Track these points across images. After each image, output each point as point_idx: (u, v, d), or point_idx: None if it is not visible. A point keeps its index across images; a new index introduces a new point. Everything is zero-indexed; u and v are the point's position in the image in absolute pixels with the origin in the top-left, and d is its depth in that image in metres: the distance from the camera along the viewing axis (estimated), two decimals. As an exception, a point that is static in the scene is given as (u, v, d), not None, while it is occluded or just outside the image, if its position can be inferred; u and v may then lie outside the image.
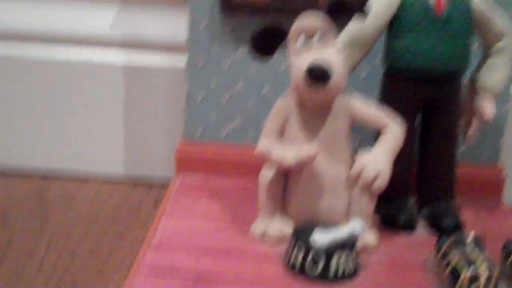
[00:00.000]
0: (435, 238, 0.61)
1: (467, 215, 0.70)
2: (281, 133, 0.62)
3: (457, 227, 0.66)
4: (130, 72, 0.85)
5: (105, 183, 0.85)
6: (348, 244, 0.56)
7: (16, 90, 0.84)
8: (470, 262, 0.53)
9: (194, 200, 0.70)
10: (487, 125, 0.74)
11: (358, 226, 0.56)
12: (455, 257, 0.54)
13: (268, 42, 0.61)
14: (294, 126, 0.61)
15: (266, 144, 0.61)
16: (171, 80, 0.84)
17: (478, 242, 0.57)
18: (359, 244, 0.58)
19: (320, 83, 0.57)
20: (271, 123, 0.62)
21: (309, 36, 0.59)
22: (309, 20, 0.59)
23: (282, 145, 0.61)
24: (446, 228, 0.66)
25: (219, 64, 0.76)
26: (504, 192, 0.79)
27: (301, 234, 0.57)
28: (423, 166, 0.70)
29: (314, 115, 0.61)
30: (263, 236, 0.61)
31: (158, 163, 0.86)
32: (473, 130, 0.71)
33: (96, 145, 0.86)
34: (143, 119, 0.85)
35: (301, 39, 0.59)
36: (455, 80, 0.67)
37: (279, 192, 0.62)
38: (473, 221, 0.69)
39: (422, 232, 0.66)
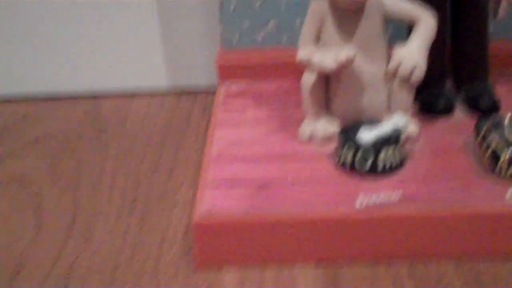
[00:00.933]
0: (474, 121, 0.64)
1: (503, 92, 0.73)
2: (318, 37, 0.65)
3: (495, 106, 0.69)
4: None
5: (153, 96, 0.89)
6: (393, 139, 0.60)
7: (59, 20, 0.86)
8: (509, 144, 0.57)
9: (241, 108, 0.74)
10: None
11: (401, 120, 0.60)
12: (494, 140, 0.58)
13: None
14: (330, 28, 0.64)
15: (306, 51, 0.64)
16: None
17: (515, 122, 0.60)
18: (403, 137, 0.62)
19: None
20: (307, 28, 0.65)
21: None
22: None
23: (321, 50, 0.64)
24: (483, 108, 0.69)
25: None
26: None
27: (348, 133, 0.61)
28: (456, 47, 0.73)
29: (348, 16, 0.63)
30: (311, 137, 0.66)
31: (201, 70, 0.89)
32: (503, 6, 0.71)
33: (138, 61, 0.89)
34: (181, 28, 0.87)
35: None
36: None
37: (322, 94, 0.65)
38: (510, 98, 0.73)
39: (460, 115, 0.70)
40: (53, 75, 0.90)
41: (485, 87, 0.72)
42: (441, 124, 0.68)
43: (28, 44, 0.88)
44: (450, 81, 0.74)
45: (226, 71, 0.80)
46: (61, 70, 0.90)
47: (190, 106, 0.87)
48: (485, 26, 0.72)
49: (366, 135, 0.60)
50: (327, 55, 0.62)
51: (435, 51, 0.69)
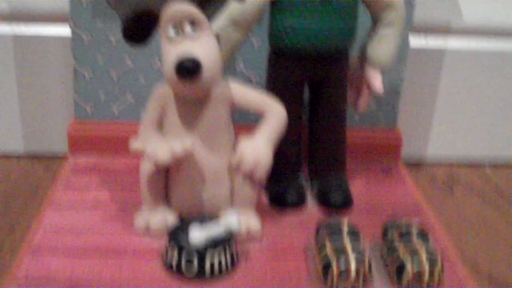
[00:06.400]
0: (322, 217, 0.61)
1: (363, 181, 0.72)
2: (160, 123, 0.61)
3: (346, 202, 0.67)
4: (20, 44, 0.81)
5: (5, 158, 0.83)
6: (223, 240, 0.56)
7: None
8: (341, 254, 0.54)
9: (83, 186, 0.69)
10: (384, 91, 0.74)
11: (234, 221, 0.56)
12: (328, 248, 0.55)
13: (141, 28, 0.59)
14: (173, 116, 0.60)
15: (142, 138, 0.59)
16: (63, 51, 0.80)
17: (353, 230, 0.57)
18: (243, 232, 0.59)
19: (189, 78, 0.55)
20: (149, 113, 0.61)
21: (180, 25, 0.57)
22: (178, 9, 0.56)
23: (158, 139, 0.59)
24: (334, 204, 0.67)
25: (106, 38, 0.73)
26: (402, 154, 0.80)
27: (177, 233, 0.56)
28: (313, 141, 0.70)
29: (192, 104, 0.59)
30: (146, 229, 0.61)
31: (57, 137, 0.84)
32: (363, 100, 0.70)
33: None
34: (38, 92, 0.82)
35: (172, 28, 0.56)
36: (342, 56, 0.66)
37: (160, 183, 0.61)
38: (367, 188, 0.71)
39: (312, 209, 0.67)
40: None
41: (339, 182, 0.69)
42: (289, 219, 0.65)
43: None
44: (305, 173, 0.71)
45: (77, 143, 0.75)
46: None
47: (43, 173, 0.81)
48: (342, 120, 0.69)
49: (195, 235, 0.56)
50: (162, 146, 0.57)
51: (289, 142, 0.66)
